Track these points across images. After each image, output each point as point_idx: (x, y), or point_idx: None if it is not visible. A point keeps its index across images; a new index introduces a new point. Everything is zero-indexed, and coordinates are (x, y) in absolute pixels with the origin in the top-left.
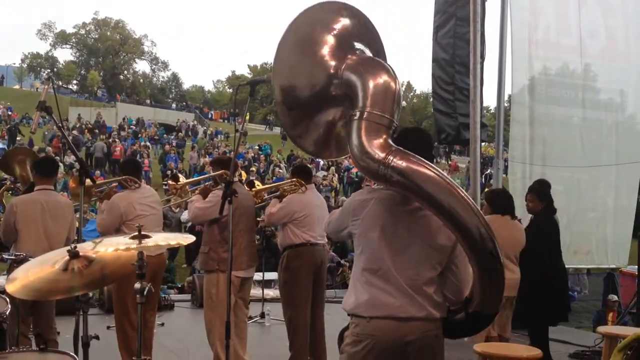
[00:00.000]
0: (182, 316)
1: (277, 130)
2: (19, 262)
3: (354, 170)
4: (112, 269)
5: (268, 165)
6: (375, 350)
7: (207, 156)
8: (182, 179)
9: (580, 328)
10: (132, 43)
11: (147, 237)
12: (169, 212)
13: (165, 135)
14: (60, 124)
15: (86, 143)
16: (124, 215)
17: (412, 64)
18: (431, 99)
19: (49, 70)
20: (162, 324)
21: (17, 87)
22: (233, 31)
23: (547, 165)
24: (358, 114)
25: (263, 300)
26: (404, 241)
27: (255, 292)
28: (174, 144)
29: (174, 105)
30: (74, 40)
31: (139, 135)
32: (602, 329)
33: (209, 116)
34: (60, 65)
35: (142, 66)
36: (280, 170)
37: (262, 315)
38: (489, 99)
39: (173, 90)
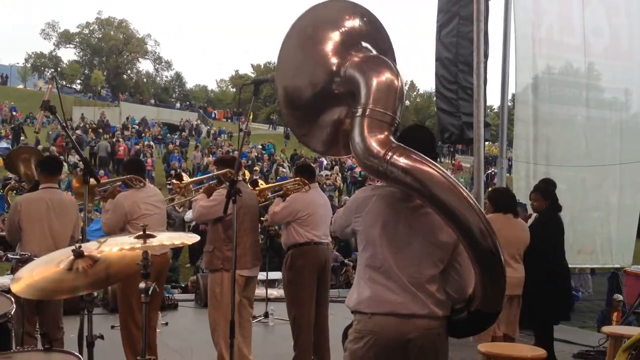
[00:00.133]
0: (185, 316)
1: (280, 129)
2: (23, 261)
3: (358, 169)
4: (116, 269)
5: (271, 164)
6: (377, 347)
7: (210, 155)
8: (186, 178)
9: (584, 328)
10: (136, 42)
11: (152, 236)
12: (172, 211)
13: (168, 135)
14: (64, 124)
15: (90, 142)
16: (128, 214)
17: (415, 63)
18: (434, 98)
19: (52, 70)
20: (166, 324)
21: (20, 86)
22: (233, 31)
23: (551, 164)
24: (360, 110)
25: (267, 299)
26: (405, 238)
27: (259, 291)
28: (178, 143)
29: (177, 105)
30: (77, 39)
31: (143, 134)
32: (606, 329)
33: (213, 115)
34: (64, 65)
35: (145, 66)
36: (284, 170)
37: (266, 315)
38: (493, 98)
39: (176, 90)
